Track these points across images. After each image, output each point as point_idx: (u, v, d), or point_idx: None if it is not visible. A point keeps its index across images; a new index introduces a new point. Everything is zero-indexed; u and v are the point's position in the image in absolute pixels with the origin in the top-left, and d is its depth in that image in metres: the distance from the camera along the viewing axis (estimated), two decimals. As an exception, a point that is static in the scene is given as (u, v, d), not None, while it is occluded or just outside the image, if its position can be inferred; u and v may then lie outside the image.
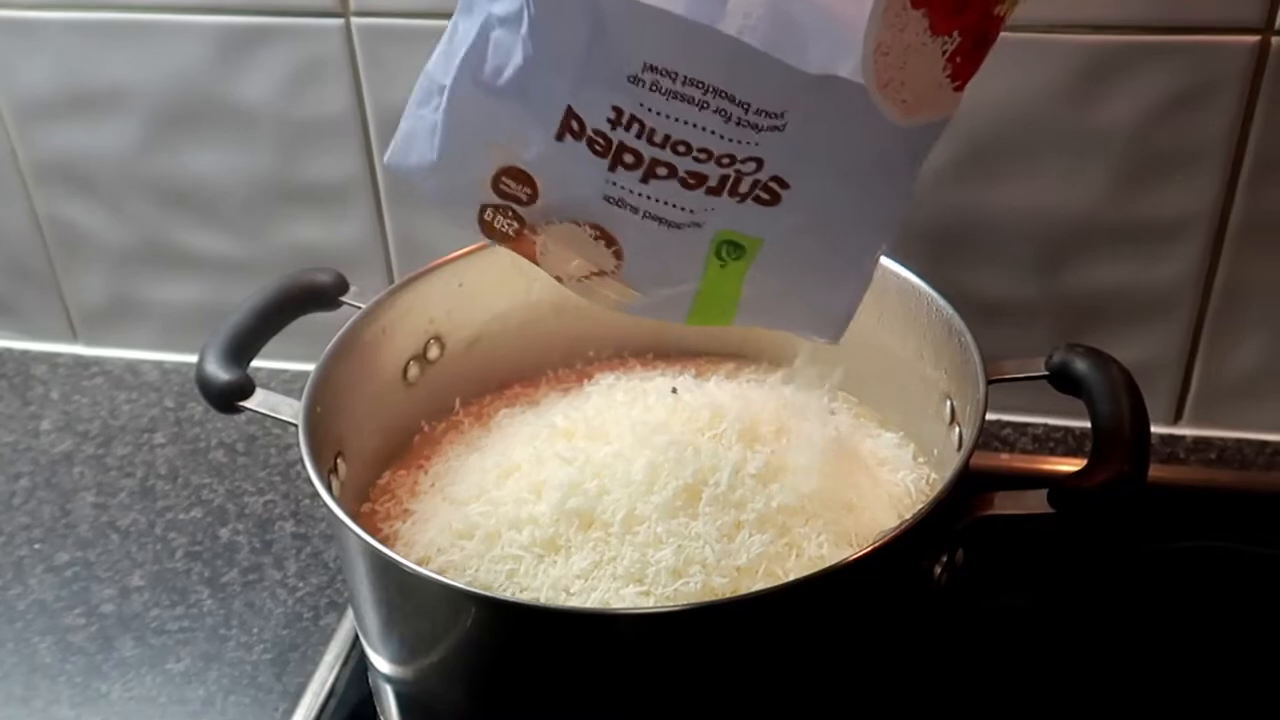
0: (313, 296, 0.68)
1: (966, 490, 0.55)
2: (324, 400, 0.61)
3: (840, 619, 0.54)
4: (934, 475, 0.66)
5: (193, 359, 0.90)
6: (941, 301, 0.64)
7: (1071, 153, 0.72)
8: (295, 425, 0.60)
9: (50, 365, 0.93)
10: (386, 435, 0.70)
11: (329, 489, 0.56)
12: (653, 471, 0.60)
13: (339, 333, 0.64)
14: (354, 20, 0.76)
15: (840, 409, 0.71)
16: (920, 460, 0.68)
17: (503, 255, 0.70)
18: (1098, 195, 0.73)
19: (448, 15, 0.74)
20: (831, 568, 0.52)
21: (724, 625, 0.52)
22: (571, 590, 0.57)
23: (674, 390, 0.66)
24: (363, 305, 0.67)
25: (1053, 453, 0.80)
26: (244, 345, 0.65)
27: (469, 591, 0.54)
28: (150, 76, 0.80)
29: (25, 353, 0.94)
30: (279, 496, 0.80)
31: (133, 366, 0.92)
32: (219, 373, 0.62)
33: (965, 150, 0.73)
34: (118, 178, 0.85)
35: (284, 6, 0.76)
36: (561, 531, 0.59)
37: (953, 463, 0.63)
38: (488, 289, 0.72)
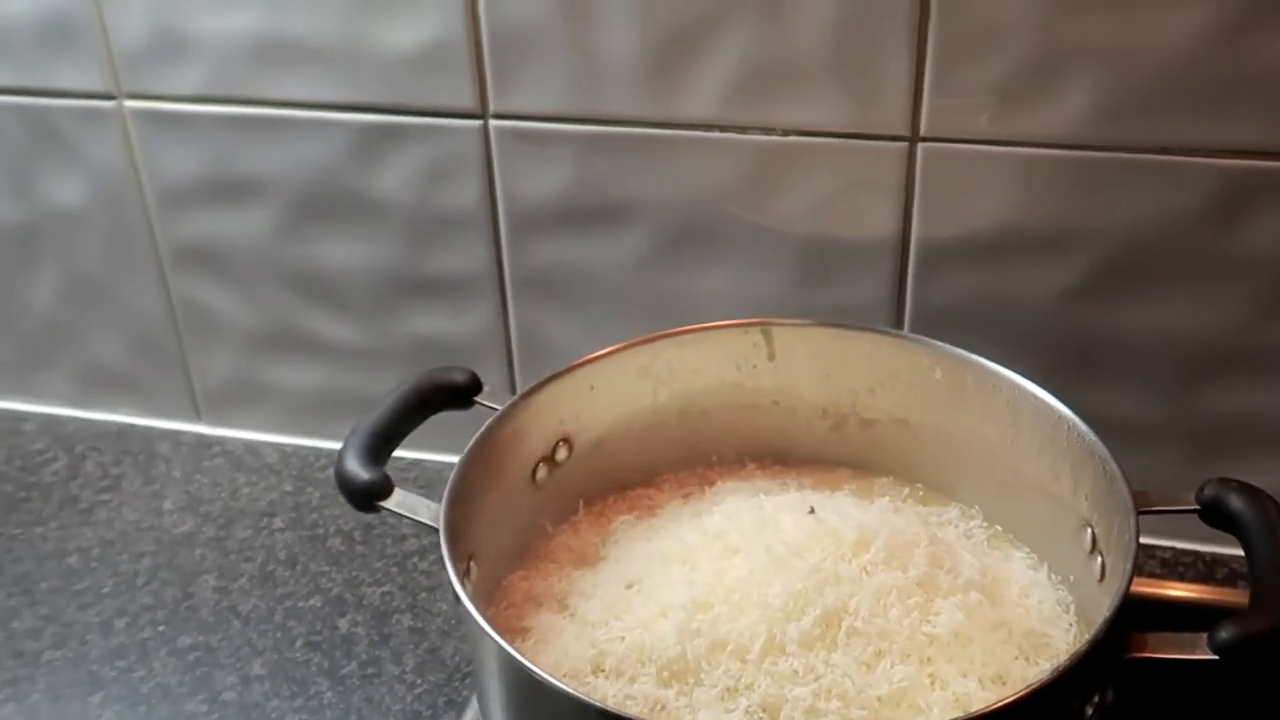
0: (448, 395, 0.69)
1: (1117, 626, 0.54)
2: (461, 504, 0.62)
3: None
4: (1071, 600, 0.65)
5: (311, 443, 0.93)
6: (1083, 427, 0.63)
7: (1209, 276, 0.71)
8: (434, 528, 0.60)
9: (173, 443, 0.94)
10: (512, 536, 0.70)
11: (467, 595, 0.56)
12: (791, 598, 0.60)
13: (476, 435, 0.65)
14: (492, 123, 0.77)
15: (974, 530, 0.70)
16: (1055, 581, 0.66)
17: (632, 359, 0.72)
18: (1235, 320, 0.72)
19: (580, 119, 0.76)
20: (983, 712, 0.50)
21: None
22: (701, 718, 0.57)
23: (811, 510, 0.66)
24: (496, 406, 0.68)
25: (1182, 578, 0.78)
26: (382, 443, 0.65)
27: (607, 711, 0.54)
28: (289, 168, 0.82)
29: (150, 430, 0.96)
30: (396, 588, 0.80)
31: (253, 448, 0.93)
32: (359, 471, 0.63)
33: (1099, 269, 0.72)
34: (251, 263, 0.87)
35: (424, 107, 0.78)
36: (690, 654, 0.59)
37: (1093, 591, 0.62)
38: (616, 392, 0.72)
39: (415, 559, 0.83)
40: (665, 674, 0.59)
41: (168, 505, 0.89)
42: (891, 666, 0.58)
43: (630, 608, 0.64)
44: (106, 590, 0.81)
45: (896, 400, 0.72)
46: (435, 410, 0.69)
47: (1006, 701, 0.50)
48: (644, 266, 0.80)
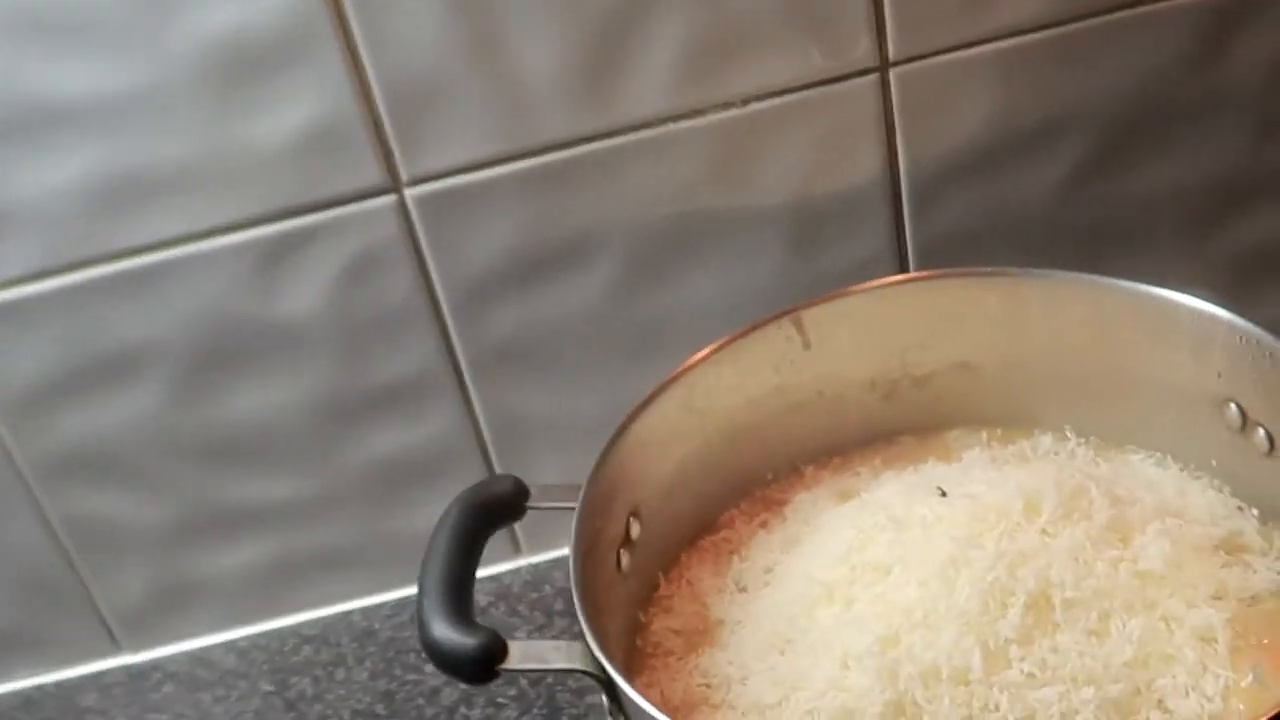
0: (500, 512, 0.58)
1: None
2: (595, 633, 0.51)
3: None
4: (1224, 485, 0.61)
5: (272, 625, 0.78)
6: (1194, 301, 0.58)
7: (1204, 116, 0.69)
8: (579, 670, 0.50)
9: (100, 689, 0.77)
10: (623, 642, 0.59)
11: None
12: (985, 594, 0.52)
13: (572, 544, 0.54)
14: (407, 192, 0.66)
15: (1076, 450, 0.64)
16: (1192, 472, 0.62)
17: (671, 399, 0.63)
18: (1239, 150, 0.70)
19: (511, 157, 0.66)
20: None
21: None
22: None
23: (943, 493, 0.58)
24: (566, 504, 0.57)
25: None
26: (461, 593, 0.53)
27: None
28: (170, 322, 0.67)
29: (63, 683, 0.78)
30: (459, 752, 0.68)
31: (200, 658, 0.78)
32: (461, 638, 0.51)
33: (1096, 143, 0.69)
34: (143, 450, 0.71)
35: (324, 199, 0.65)
36: (905, 698, 0.51)
37: (1257, 467, 0.58)
38: (666, 440, 0.63)
39: (463, 709, 0.70)
40: (888, 728, 0.51)
41: (138, 763, 0.72)
42: (1124, 625, 0.52)
43: (801, 673, 0.55)
44: None
45: (951, 346, 0.66)
46: (491, 531, 0.58)
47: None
48: (618, 298, 0.70)
